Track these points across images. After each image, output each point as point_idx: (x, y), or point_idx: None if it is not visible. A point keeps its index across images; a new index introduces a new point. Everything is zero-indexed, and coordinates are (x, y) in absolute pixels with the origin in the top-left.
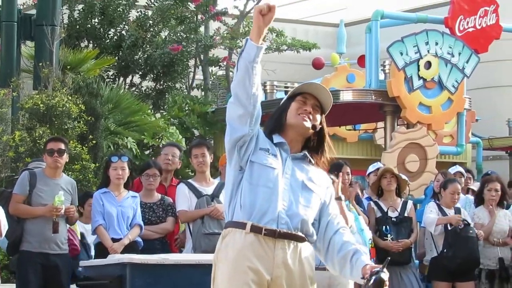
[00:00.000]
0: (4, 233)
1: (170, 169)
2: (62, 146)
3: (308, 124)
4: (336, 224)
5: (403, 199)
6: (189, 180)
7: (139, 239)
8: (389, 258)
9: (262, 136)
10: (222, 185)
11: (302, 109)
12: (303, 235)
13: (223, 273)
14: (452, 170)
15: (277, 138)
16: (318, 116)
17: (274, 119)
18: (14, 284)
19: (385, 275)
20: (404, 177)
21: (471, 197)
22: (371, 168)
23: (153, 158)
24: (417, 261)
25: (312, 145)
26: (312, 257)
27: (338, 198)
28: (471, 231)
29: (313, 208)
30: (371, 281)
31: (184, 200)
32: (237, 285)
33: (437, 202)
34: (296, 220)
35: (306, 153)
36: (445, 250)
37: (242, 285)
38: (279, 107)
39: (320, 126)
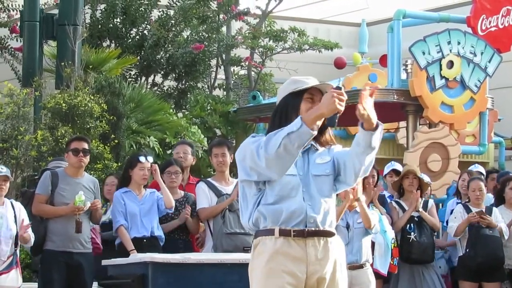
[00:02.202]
0: (32, 241)
1: (184, 166)
2: (86, 146)
3: (316, 128)
4: None
5: (424, 199)
6: (209, 179)
7: (162, 235)
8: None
9: None
10: None
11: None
12: (331, 230)
13: (258, 280)
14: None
15: None
16: None
17: (282, 120)
18: (36, 283)
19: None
20: (426, 179)
21: (490, 195)
22: (386, 169)
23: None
24: (443, 259)
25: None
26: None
27: (357, 199)
28: (491, 231)
29: (329, 191)
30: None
31: (204, 198)
32: None
33: (461, 201)
34: (321, 216)
35: (312, 143)
36: (467, 250)
37: None
38: (284, 105)
39: None
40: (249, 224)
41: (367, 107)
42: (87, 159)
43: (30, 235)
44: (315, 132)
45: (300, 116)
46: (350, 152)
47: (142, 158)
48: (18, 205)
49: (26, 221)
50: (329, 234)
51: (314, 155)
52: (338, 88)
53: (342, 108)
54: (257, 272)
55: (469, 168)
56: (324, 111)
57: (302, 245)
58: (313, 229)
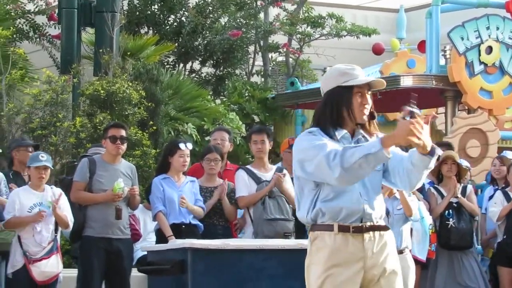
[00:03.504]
0: (71, 225)
1: (222, 153)
2: (124, 133)
3: (366, 117)
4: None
5: (462, 184)
6: (248, 166)
7: (200, 223)
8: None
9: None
10: (280, 170)
11: (362, 104)
12: (385, 224)
13: (318, 276)
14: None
15: (340, 133)
16: (370, 100)
17: (333, 114)
18: (76, 269)
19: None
20: (465, 164)
21: None
22: None
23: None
24: (479, 247)
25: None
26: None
27: None
28: None
29: (380, 185)
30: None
31: (244, 186)
32: (333, 286)
33: (499, 188)
34: (376, 212)
35: (362, 132)
36: (505, 236)
37: (338, 285)
38: (335, 99)
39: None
40: (306, 218)
41: (423, 137)
42: (124, 146)
43: (68, 217)
44: (391, 155)
45: (380, 139)
46: (405, 166)
47: (182, 145)
48: (58, 191)
49: (63, 204)
50: (384, 228)
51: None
52: (412, 114)
53: (421, 142)
54: (317, 267)
55: (501, 154)
56: (402, 142)
57: (359, 240)
58: (369, 224)
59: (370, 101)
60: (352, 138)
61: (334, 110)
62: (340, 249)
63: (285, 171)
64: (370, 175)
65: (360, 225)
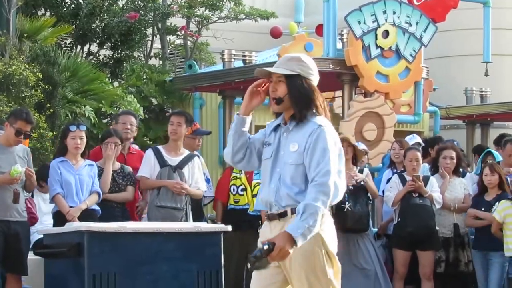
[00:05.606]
0: None
1: (129, 137)
2: (29, 129)
3: (273, 108)
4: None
5: (359, 167)
6: (159, 147)
7: (97, 207)
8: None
9: (268, 130)
10: (189, 157)
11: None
12: (287, 211)
13: None
14: (410, 140)
15: (274, 122)
16: (281, 88)
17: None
18: None
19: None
20: (362, 147)
21: (427, 165)
22: None
23: (111, 126)
24: (375, 229)
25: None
26: None
27: None
28: (421, 200)
29: (292, 179)
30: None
31: (148, 166)
32: None
33: (396, 171)
34: (284, 201)
35: (288, 123)
36: (399, 219)
37: None
38: None
39: (286, 93)
40: None
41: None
42: (23, 141)
43: None
44: (246, 118)
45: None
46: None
47: (72, 127)
48: None
49: None
50: (282, 215)
51: (297, 130)
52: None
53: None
54: None
55: (407, 139)
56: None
57: (271, 226)
58: (274, 212)
59: (279, 88)
60: (286, 125)
61: None
62: (262, 233)
63: (188, 172)
64: (284, 169)
65: (269, 213)
